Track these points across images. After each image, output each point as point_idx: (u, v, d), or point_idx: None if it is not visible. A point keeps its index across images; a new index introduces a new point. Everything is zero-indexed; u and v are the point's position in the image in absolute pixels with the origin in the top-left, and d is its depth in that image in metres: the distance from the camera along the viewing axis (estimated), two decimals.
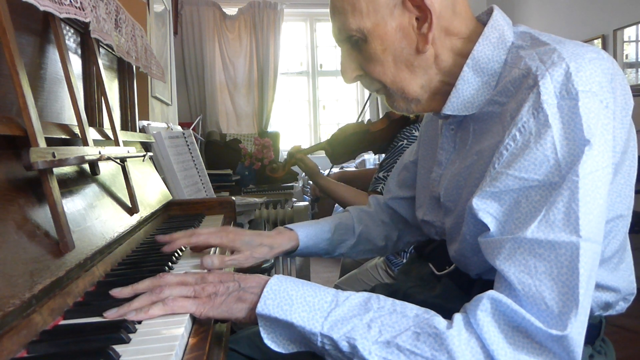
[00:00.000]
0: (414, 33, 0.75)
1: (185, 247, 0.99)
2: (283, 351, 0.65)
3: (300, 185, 4.38)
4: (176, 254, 0.93)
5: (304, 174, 2.05)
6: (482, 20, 0.79)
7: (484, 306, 0.60)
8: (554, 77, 0.64)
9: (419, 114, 1.87)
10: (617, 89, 0.66)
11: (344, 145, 2.03)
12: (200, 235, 0.91)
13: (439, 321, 0.61)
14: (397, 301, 0.65)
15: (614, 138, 0.66)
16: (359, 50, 0.79)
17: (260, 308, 0.64)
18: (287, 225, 1.04)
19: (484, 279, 0.78)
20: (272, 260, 2.34)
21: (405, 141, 1.76)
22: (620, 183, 0.70)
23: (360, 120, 2.24)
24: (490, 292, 0.61)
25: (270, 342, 0.65)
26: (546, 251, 0.60)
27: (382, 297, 0.66)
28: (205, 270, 0.82)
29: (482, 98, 0.75)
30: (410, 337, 0.60)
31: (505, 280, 0.61)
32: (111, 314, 0.63)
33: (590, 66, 0.64)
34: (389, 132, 1.90)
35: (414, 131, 1.77)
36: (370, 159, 4.69)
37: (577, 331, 0.57)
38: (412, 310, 0.63)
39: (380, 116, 2.16)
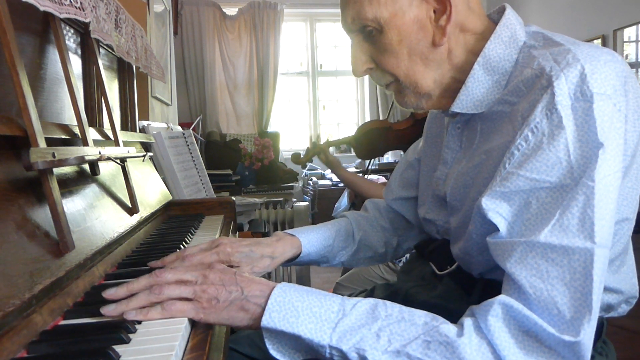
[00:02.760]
0: (431, 25, 0.74)
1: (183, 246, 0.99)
2: None
3: (300, 185, 4.39)
4: None
5: (320, 168, 2.04)
6: (492, 19, 0.79)
7: (494, 311, 0.59)
8: (568, 78, 0.63)
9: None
10: (629, 91, 0.66)
11: (366, 141, 1.99)
12: (194, 257, 0.82)
13: (449, 329, 0.60)
14: (404, 308, 0.64)
15: (625, 141, 0.65)
16: (371, 41, 0.77)
17: (266, 321, 0.62)
18: (287, 231, 0.99)
19: (486, 279, 0.78)
20: None
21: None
22: (627, 186, 0.70)
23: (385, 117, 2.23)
24: (501, 297, 0.60)
25: (276, 352, 0.64)
26: (559, 256, 0.59)
27: (388, 303, 0.65)
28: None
29: (492, 97, 0.74)
30: (420, 345, 0.59)
31: (516, 283, 0.60)
32: (109, 311, 0.62)
33: (605, 69, 0.63)
34: (412, 132, 1.85)
35: None
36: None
37: (588, 337, 0.57)
38: (420, 317, 0.62)
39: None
